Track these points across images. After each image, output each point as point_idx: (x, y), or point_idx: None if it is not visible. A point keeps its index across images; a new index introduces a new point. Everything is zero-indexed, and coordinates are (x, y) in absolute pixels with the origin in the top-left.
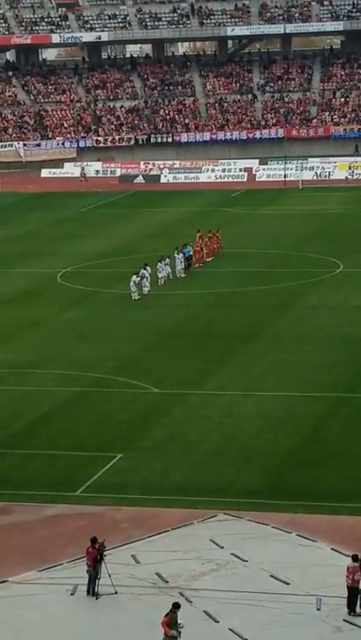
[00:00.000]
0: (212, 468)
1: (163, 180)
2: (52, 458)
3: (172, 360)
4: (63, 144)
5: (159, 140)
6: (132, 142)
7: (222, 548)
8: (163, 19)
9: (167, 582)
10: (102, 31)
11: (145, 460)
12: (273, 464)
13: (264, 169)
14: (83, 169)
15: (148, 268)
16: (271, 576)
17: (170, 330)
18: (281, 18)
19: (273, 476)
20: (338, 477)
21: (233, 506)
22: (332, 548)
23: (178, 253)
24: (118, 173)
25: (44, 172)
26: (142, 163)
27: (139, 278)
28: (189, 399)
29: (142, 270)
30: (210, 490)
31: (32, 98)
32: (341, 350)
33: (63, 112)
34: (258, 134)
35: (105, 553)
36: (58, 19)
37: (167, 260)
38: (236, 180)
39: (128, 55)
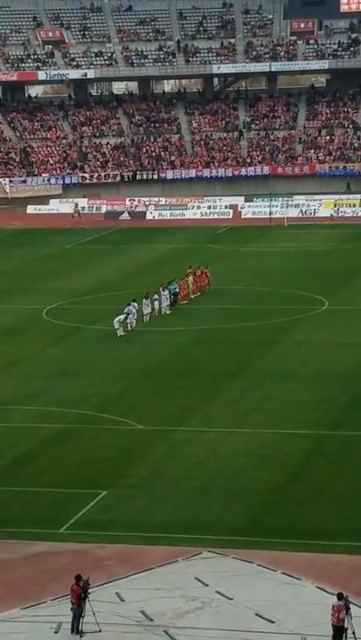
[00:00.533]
0: (197, 506)
1: (148, 216)
2: (35, 495)
3: (156, 397)
4: (49, 180)
5: (145, 176)
6: (118, 179)
7: (207, 585)
8: (149, 56)
9: (152, 620)
10: (88, 68)
11: (129, 497)
12: (258, 501)
13: (249, 206)
14: (76, 205)
15: (134, 303)
16: (256, 614)
17: (155, 366)
18: (267, 56)
19: (258, 513)
20: (323, 515)
21: (218, 543)
22: (318, 587)
23: (163, 290)
24: (104, 210)
25: (30, 209)
26: (128, 199)
27: (123, 315)
28: (174, 436)
29: (128, 306)
30: (195, 527)
31: (18, 134)
32: (327, 387)
33: (49, 149)
34: (243, 172)
35: (89, 590)
36: (44, 56)
37: (155, 295)
38: (221, 217)
39: (114, 92)
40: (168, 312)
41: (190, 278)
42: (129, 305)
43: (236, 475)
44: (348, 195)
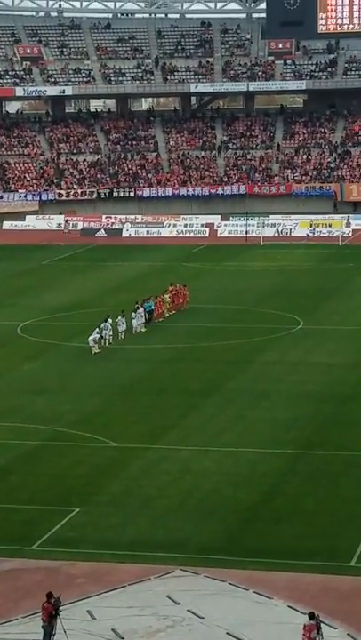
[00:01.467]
0: (170, 524)
1: (124, 234)
2: (8, 512)
3: (131, 414)
4: (25, 197)
5: (121, 194)
6: (95, 196)
7: (179, 604)
8: (127, 74)
9: (123, 638)
10: (66, 85)
11: (102, 514)
12: (231, 520)
13: (226, 225)
14: (66, 221)
15: (109, 320)
16: (227, 633)
17: (129, 384)
18: (244, 76)
19: (231, 532)
20: (296, 534)
21: (190, 562)
22: (289, 606)
23: (139, 307)
24: (80, 227)
25: (6, 225)
26: (104, 216)
27: (98, 335)
28: (148, 454)
29: (104, 323)
30: (167, 545)
31: None
32: (301, 407)
33: (26, 165)
34: (220, 190)
35: (60, 608)
36: (22, 72)
37: (134, 313)
38: (197, 235)
39: (92, 109)
40: (143, 330)
41: (167, 296)
42: (104, 322)
43: (209, 493)
44: (333, 215)
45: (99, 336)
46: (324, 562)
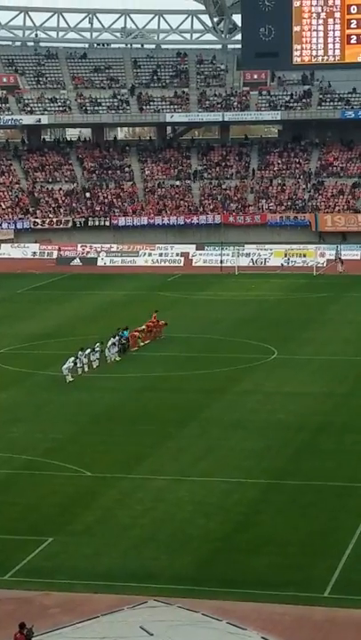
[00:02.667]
0: (144, 554)
1: (100, 262)
2: None
3: (105, 443)
4: (1, 225)
5: (97, 223)
6: (70, 225)
7: (152, 635)
8: (103, 104)
9: None
10: (42, 114)
11: (76, 544)
12: (204, 550)
13: (201, 254)
14: (59, 249)
15: (84, 350)
16: None
17: (104, 413)
18: (220, 106)
19: (204, 562)
20: (269, 565)
21: (163, 592)
22: (263, 637)
23: (114, 336)
24: (55, 255)
25: None
26: (80, 245)
27: (72, 364)
28: (122, 483)
29: (79, 352)
30: (140, 575)
31: None
32: (274, 436)
33: (1, 193)
34: (195, 220)
35: (33, 638)
36: None
37: (110, 340)
38: (172, 264)
39: (68, 138)
40: (117, 358)
41: (143, 326)
42: (79, 351)
43: (182, 523)
44: (345, 244)
45: (72, 365)
46: (297, 592)
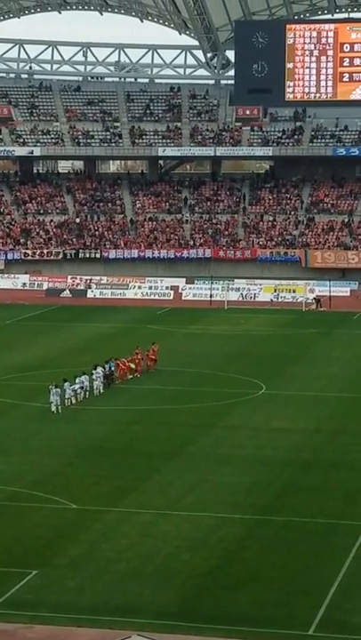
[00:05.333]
0: (128, 588)
1: (89, 294)
2: None
3: (91, 476)
4: None
5: (87, 255)
6: (61, 256)
7: None
8: (95, 136)
9: None
10: (35, 146)
11: (60, 577)
12: (189, 586)
13: (190, 288)
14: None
15: (69, 381)
16: None
17: (90, 445)
18: (212, 141)
19: (189, 597)
20: (254, 601)
21: (147, 627)
22: None
23: (101, 368)
24: (45, 287)
25: None
26: (69, 277)
27: (56, 396)
28: (107, 516)
29: (65, 384)
30: (124, 610)
31: None
32: (261, 472)
33: None
34: (185, 254)
35: None
36: None
37: (96, 370)
38: (162, 297)
39: (60, 170)
40: (102, 391)
41: (132, 364)
42: (65, 382)
43: (167, 558)
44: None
45: (56, 397)
46: (281, 630)
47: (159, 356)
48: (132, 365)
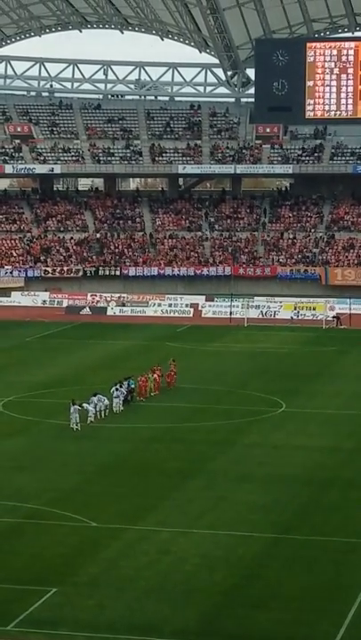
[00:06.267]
0: (147, 607)
1: (109, 312)
2: None
3: (110, 494)
4: (11, 273)
5: (107, 272)
6: (80, 274)
7: None
8: (115, 154)
9: None
10: (55, 164)
11: (79, 595)
12: (209, 604)
13: (210, 305)
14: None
15: (91, 399)
16: None
17: (110, 463)
18: (232, 158)
19: (209, 616)
20: (274, 620)
21: None
22: None
23: (120, 386)
24: (65, 304)
25: None
26: (89, 294)
27: (77, 413)
28: (127, 534)
29: (85, 402)
30: (144, 628)
31: None
32: (281, 490)
33: (12, 241)
34: (205, 271)
35: None
36: (12, 150)
37: (116, 388)
38: (182, 315)
39: (80, 188)
40: (122, 408)
41: (152, 375)
42: (91, 397)
43: (187, 576)
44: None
45: (78, 415)
46: None
47: (178, 373)
48: (152, 382)
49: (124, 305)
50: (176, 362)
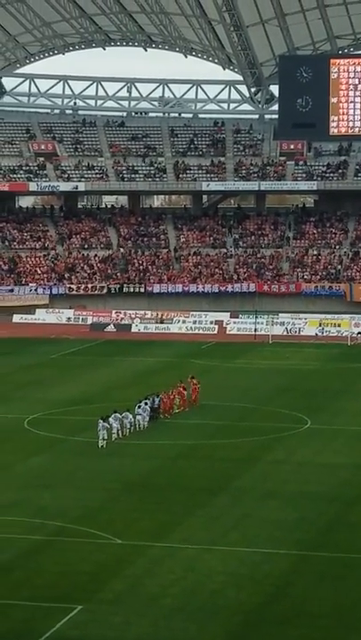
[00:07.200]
0: (174, 624)
1: (134, 329)
2: (9, 608)
3: (136, 511)
4: (36, 290)
5: (131, 289)
6: (105, 291)
7: None
8: (139, 171)
9: None
10: (79, 181)
11: (105, 612)
12: (235, 622)
13: (235, 322)
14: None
15: (116, 415)
16: None
17: (135, 480)
18: (256, 175)
19: (235, 634)
20: (301, 637)
21: None
22: None
23: (145, 403)
24: (90, 321)
25: (16, 318)
26: (114, 312)
27: (104, 430)
28: (152, 551)
29: (110, 418)
30: None
31: (7, 244)
32: (306, 507)
33: (37, 259)
34: (230, 288)
35: None
36: (36, 167)
37: (141, 405)
38: (206, 332)
39: (104, 205)
40: (147, 425)
41: (177, 398)
42: (111, 417)
43: (213, 593)
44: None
45: (105, 432)
46: None
47: (202, 389)
48: (177, 400)
49: (162, 322)
50: (196, 378)
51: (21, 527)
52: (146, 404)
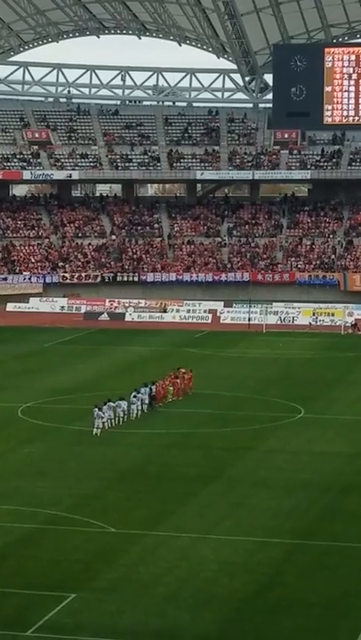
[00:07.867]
0: (167, 612)
1: (127, 318)
2: (2, 596)
3: (129, 499)
4: (30, 279)
5: (125, 278)
6: (99, 280)
7: None
8: (133, 160)
9: None
10: (73, 170)
11: (98, 600)
12: (228, 610)
13: (229, 311)
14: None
15: (110, 404)
16: None
17: (128, 469)
18: (250, 164)
19: (228, 622)
20: (293, 627)
21: None
22: None
23: (138, 391)
24: (83, 310)
25: (10, 306)
26: (108, 300)
27: (99, 419)
28: (146, 540)
29: (104, 407)
30: (163, 634)
31: (0, 232)
32: (300, 496)
33: (31, 247)
34: (223, 277)
35: None
36: (30, 156)
37: (135, 393)
38: (200, 321)
39: (98, 194)
40: (139, 414)
41: (170, 387)
42: (105, 405)
43: (206, 582)
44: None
45: (100, 420)
46: None
47: (196, 379)
48: (170, 388)
49: (165, 311)
50: (186, 369)
51: (15, 515)
52: (145, 392)
